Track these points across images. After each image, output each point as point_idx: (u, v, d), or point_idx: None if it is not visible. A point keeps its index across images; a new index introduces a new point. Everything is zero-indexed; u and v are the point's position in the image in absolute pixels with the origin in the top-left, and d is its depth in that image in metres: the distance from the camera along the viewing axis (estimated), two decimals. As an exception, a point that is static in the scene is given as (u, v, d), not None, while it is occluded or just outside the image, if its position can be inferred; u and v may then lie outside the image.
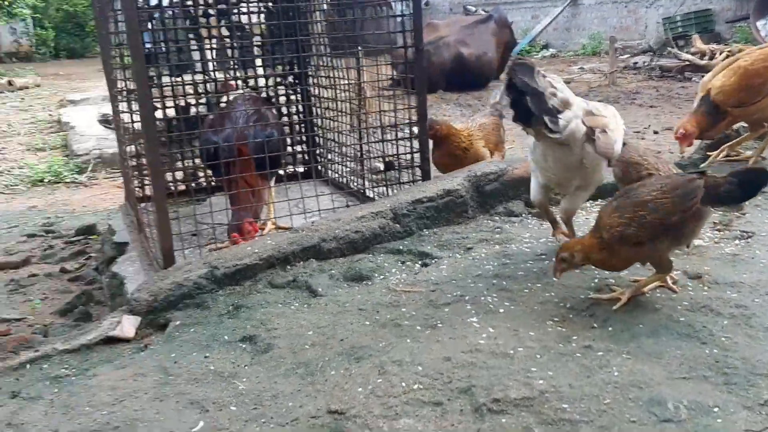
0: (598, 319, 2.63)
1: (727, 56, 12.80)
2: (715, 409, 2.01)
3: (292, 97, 5.23)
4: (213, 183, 4.60)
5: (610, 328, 2.54)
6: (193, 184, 4.74)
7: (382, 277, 3.31)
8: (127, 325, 3.00)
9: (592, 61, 17.09)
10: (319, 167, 5.19)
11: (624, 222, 2.54)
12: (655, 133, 8.50)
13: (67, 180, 7.81)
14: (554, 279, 2.81)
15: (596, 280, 2.95)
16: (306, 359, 2.61)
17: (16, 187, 7.68)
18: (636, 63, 15.11)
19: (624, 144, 3.43)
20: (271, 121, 4.13)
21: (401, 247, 3.60)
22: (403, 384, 2.33)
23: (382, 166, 4.30)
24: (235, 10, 4.89)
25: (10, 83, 16.67)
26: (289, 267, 3.44)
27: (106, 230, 4.85)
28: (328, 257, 3.54)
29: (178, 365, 2.64)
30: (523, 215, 3.91)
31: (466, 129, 4.49)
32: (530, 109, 2.77)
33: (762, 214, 3.50)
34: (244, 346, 2.81)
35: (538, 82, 2.77)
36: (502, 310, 2.78)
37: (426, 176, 4.18)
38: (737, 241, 3.21)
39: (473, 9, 19.98)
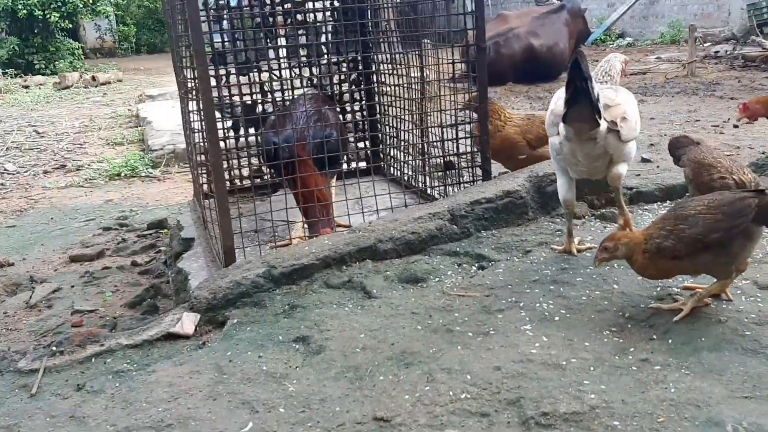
0: (657, 330, 2.53)
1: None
2: (779, 434, 1.90)
3: (356, 95, 5.25)
4: (275, 181, 4.67)
5: (670, 341, 2.44)
6: (256, 180, 4.84)
7: (437, 279, 3.29)
8: (187, 322, 3.10)
9: (670, 50, 16.42)
10: (381, 164, 5.19)
11: (664, 234, 2.50)
12: (735, 126, 8.09)
13: (142, 174, 8.12)
14: (593, 267, 2.78)
15: (659, 289, 2.83)
16: (356, 363, 2.62)
17: (95, 181, 8.04)
18: (717, 52, 14.40)
19: (698, 143, 3.28)
20: (331, 121, 4.15)
21: (458, 249, 3.56)
22: (451, 393, 2.31)
23: (442, 165, 4.25)
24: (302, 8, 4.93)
25: (93, 78, 17.50)
26: (345, 267, 3.46)
27: (174, 225, 5.01)
28: (384, 258, 3.54)
29: (233, 364, 2.70)
30: (586, 217, 3.80)
31: (507, 113, 4.40)
32: (590, 96, 2.74)
33: None
34: (297, 346, 2.85)
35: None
36: (557, 318, 2.71)
37: (486, 176, 4.12)
38: (816, 251, 3.01)
39: (546, -1, 19.53)
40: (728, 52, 14.11)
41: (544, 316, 2.74)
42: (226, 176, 4.63)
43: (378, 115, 5.12)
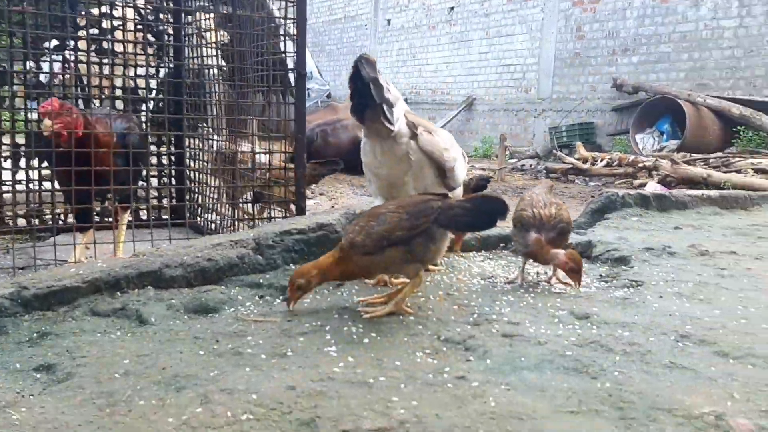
0: (475, 352, 2.23)
1: (608, 164, 13.56)
2: (611, 446, 1.62)
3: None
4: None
5: (488, 361, 2.14)
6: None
7: (232, 309, 2.80)
8: None
9: (483, 162, 17.66)
10: (187, 212, 4.67)
11: (356, 230, 2.55)
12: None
13: None
14: (289, 308, 2.68)
15: (475, 315, 2.57)
16: (111, 389, 2.02)
17: None
18: (523, 165, 15.70)
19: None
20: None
21: (261, 281, 3.10)
22: (229, 413, 1.81)
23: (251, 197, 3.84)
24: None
25: None
26: (119, 293, 2.85)
27: None
28: (170, 286, 2.98)
29: (-61, 392, 1.98)
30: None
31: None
32: (373, 96, 2.72)
33: (650, 269, 3.30)
34: (38, 375, 2.19)
35: (380, 76, 2.75)
36: (366, 341, 2.33)
37: (300, 213, 3.76)
38: (626, 289, 2.96)
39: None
40: (533, 166, 15.42)
41: (352, 339, 2.35)
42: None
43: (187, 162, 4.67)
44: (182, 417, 1.80)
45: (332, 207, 6.21)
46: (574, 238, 3.87)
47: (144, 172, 4.49)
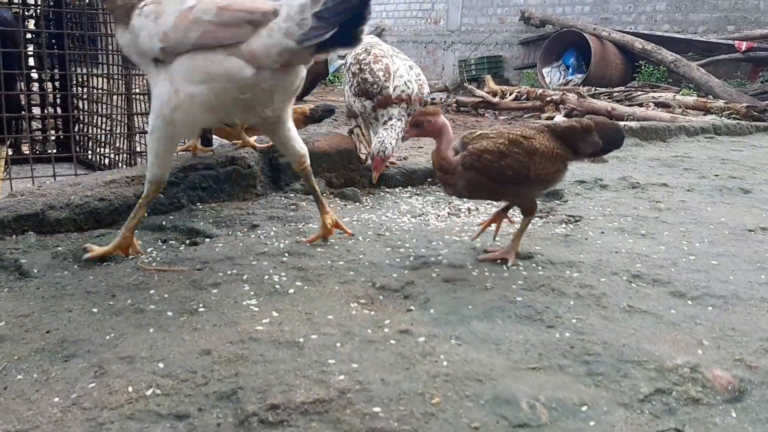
0: (416, 300, 1.99)
1: (516, 97, 13.58)
2: (584, 408, 1.42)
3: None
4: None
5: (432, 311, 1.91)
6: None
7: (131, 257, 2.41)
8: None
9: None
10: (75, 145, 4.12)
11: None
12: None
13: None
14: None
15: (411, 258, 2.33)
16: (-20, 360, 1.64)
17: None
18: (434, 99, 15.49)
19: None
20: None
21: (164, 223, 2.72)
22: (130, 389, 1.48)
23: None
24: None
25: None
26: (-8, 240, 2.40)
27: None
28: (56, 231, 2.56)
29: None
30: (325, 194, 3.23)
31: None
32: None
33: (584, 202, 3.16)
34: None
35: None
36: (292, 291, 2.04)
37: (208, 144, 3.35)
38: (564, 225, 2.79)
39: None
40: (442, 100, 15.25)
41: (275, 290, 2.05)
42: None
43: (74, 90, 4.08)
44: (71, 395, 1.46)
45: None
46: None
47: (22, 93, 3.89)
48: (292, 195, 3.13)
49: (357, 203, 3.17)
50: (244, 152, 3.10)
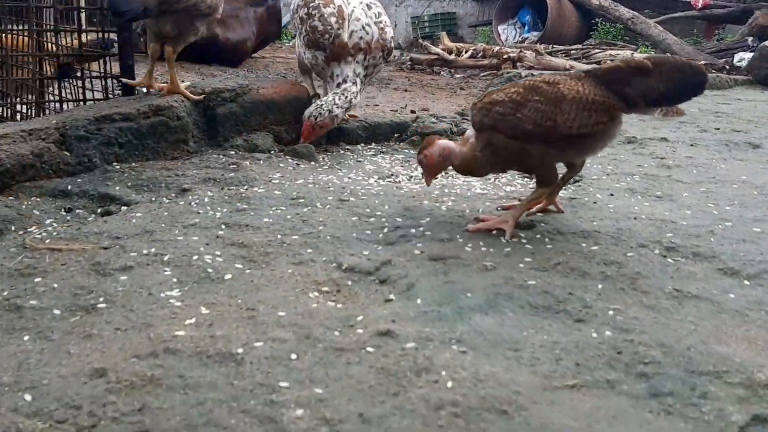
0: (396, 286, 1.51)
1: (472, 55, 13.12)
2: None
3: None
4: None
5: (418, 301, 1.43)
6: None
7: (21, 231, 1.85)
8: None
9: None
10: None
11: None
12: (413, 112, 7.92)
13: None
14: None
15: (384, 229, 1.83)
16: None
17: None
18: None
19: None
20: None
21: (70, 187, 2.16)
22: (-26, 440, 0.96)
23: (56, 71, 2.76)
24: None
25: None
26: None
27: None
28: None
29: None
30: (273, 152, 2.70)
31: None
32: None
33: (578, 159, 2.70)
34: None
35: None
36: (229, 276, 1.53)
37: (128, 92, 2.76)
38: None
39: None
40: (396, 57, 14.66)
41: (206, 275, 1.53)
42: None
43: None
44: None
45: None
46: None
47: None
48: (233, 152, 2.59)
49: (312, 162, 2.65)
50: (172, 100, 2.52)
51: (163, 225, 1.85)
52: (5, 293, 1.45)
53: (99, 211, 2.07)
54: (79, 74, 2.79)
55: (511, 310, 1.38)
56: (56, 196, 2.12)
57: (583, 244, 1.73)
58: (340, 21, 2.74)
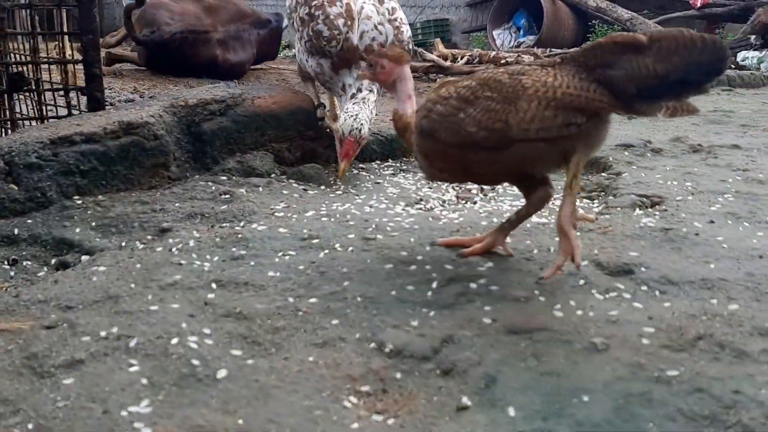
0: (469, 380, 1.03)
1: (468, 61, 12.73)
2: None
3: None
4: None
5: (510, 410, 0.95)
6: None
7: None
8: None
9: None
10: None
11: None
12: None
13: None
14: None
15: (434, 282, 1.35)
16: None
17: None
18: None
19: None
20: None
21: (17, 231, 1.68)
22: None
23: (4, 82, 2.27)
24: None
25: None
26: None
27: None
28: None
29: None
30: (274, 175, 2.21)
31: None
32: None
33: (647, 174, 2.23)
34: None
35: None
36: (223, 374, 1.04)
37: (96, 105, 2.28)
38: (642, 211, 1.86)
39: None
40: (390, 65, 14.28)
41: (191, 370, 1.05)
42: None
43: None
44: None
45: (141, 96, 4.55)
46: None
47: None
48: (224, 178, 2.10)
49: (323, 186, 2.18)
50: (147, 115, 2.04)
51: (132, 286, 1.36)
52: None
53: (53, 262, 1.60)
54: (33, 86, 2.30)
55: (658, 425, 0.91)
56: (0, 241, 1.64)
57: (714, 301, 1.26)
58: (349, 22, 2.28)
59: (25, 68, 2.27)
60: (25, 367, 1.07)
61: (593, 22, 13.30)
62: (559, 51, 12.41)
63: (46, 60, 2.36)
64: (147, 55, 5.96)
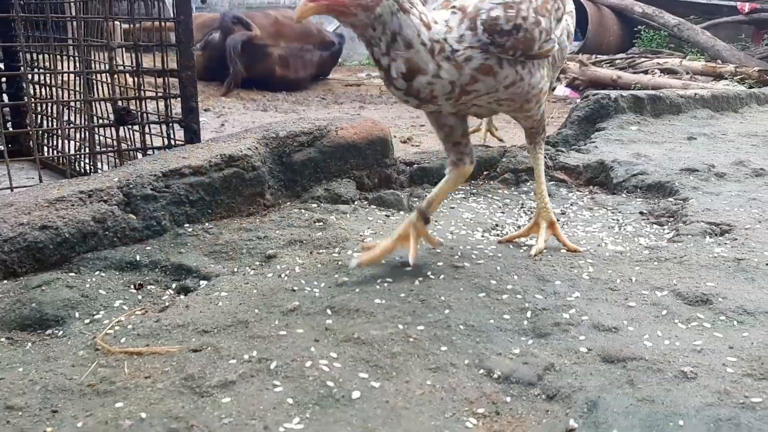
0: (572, 405, 1.16)
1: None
2: None
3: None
4: None
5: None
6: None
7: (88, 319, 1.57)
8: None
9: (376, 70, 16.32)
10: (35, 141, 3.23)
11: None
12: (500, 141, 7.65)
13: None
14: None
15: (528, 312, 1.50)
16: None
17: None
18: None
19: None
20: None
21: (138, 257, 1.87)
22: None
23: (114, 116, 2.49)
24: None
25: None
26: None
27: None
28: (-28, 280, 1.70)
29: None
30: (358, 202, 2.39)
31: None
32: None
33: (713, 200, 2.33)
34: None
35: None
36: (357, 395, 1.20)
37: (194, 138, 2.49)
38: (712, 238, 1.97)
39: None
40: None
41: (328, 391, 1.21)
42: None
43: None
44: None
45: (223, 125, 4.83)
46: (577, 158, 2.86)
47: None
48: (314, 205, 2.28)
49: (402, 212, 2.33)
50: (245, 148, 2.23)
51: (257, 311, 1.54)
52: (79, 425, 1.14)
53: (174, 286, 1.78)
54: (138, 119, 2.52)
55: None
56: (123, 268, 1.84)
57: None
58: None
59: (129, 103, 2.49)
60: (184, 387, 1.24)
61: (639, 27, 13.22)
62: (605, 57, 12.37)
63: (151, 96, 2.58)
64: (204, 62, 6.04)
